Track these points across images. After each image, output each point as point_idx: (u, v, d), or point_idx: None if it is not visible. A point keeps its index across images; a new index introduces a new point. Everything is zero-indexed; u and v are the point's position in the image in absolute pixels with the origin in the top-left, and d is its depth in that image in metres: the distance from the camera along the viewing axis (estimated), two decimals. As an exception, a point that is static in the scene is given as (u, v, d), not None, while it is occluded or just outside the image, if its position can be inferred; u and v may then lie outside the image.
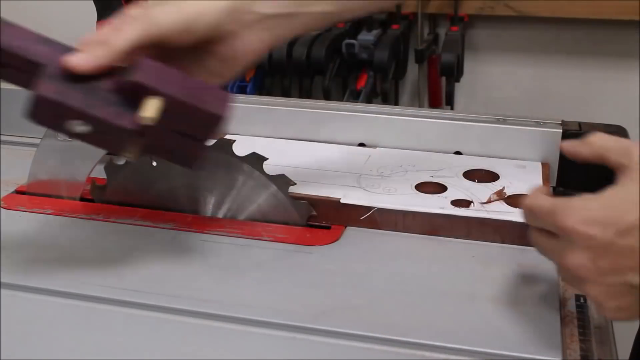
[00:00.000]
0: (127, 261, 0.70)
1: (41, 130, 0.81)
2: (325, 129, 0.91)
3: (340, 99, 1.59)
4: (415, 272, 0.68)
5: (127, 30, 0.62)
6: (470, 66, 1.59)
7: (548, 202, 0.55)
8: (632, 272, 0.51)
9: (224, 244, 0.72)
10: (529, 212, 0.58)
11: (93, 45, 0.61)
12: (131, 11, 0.64)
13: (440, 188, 0.78)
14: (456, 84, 1.56)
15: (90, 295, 0.63)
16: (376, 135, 0.90)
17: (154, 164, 0.76)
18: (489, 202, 0.74)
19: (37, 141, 0.81)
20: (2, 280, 0.65)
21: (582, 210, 0.53)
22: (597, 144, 0.59)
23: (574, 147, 0.60)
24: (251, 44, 0.66)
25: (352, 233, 0.74)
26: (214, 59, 0.66)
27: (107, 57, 0.61)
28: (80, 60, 0.60)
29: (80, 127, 0.59)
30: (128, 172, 0.78)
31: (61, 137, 0.80)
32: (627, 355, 0.82)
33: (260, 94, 1.59)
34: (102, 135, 0.60)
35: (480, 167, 0.83)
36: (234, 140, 0.74)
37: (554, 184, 0.84)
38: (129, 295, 0.63)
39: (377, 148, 0.90)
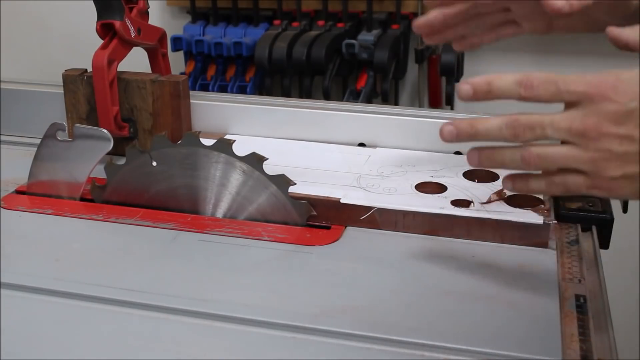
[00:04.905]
0: (127, 261, 0.70)
1: (41, 130, 0.81)
2: (325, 129, 0.91)
3: (340, 99, 1.59)
4: (415, 272, 0.68)
5: None
6: (470, 66, 1.59)
7: (574, 74, 0.55)
8: None
9: (224, 244, 0.72)
10: (547, 84, 0.56)
11: None
12: None
13: (440, 188, 0.78)
14: (456, 84, 1.55)
15: (90, 295, 0.63)
16: (376, 135, 0.90)
17: (154, 164, 0.76)
18: (489, 202, 0.74)
19: (37, 141, 0.81)
20: (2, 280, 0.65)
21: (614, 80, 0.54)
22: None
23: (619, 32, 0.61)
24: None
25: (352, 233, 0.74)
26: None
27: None
28: None
29: None
30: (128, 172, 0.78)
31: (61, 137, 0.80)
32: (628, 355, 0.82)
33: (260, 94, 1.59)
34: None
35: (480, 167, 0.83)
36: (234, 140, 0.74)
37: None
38: (129, 295, 0.63)
39: (377, 148, 0.90)
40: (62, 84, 0.90)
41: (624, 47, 0.61)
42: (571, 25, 0.72)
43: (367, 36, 1.51)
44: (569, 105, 0.56)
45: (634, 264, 1.53)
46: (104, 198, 0.80)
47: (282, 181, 0.73)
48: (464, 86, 0.58)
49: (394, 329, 0.59)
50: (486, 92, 0.57)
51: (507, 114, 0.57)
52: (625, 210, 0.76)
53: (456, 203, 0.74)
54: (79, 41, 1.35)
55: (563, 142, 0.56)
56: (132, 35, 0.87)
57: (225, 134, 0.94)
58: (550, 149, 0.56)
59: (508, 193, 0.76)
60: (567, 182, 0.57)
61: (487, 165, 0.59)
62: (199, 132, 0.75)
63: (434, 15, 0.75)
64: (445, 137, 0.59)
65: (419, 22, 0.75)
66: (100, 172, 0.80)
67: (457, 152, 0.87)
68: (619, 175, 0.55)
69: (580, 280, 0.66)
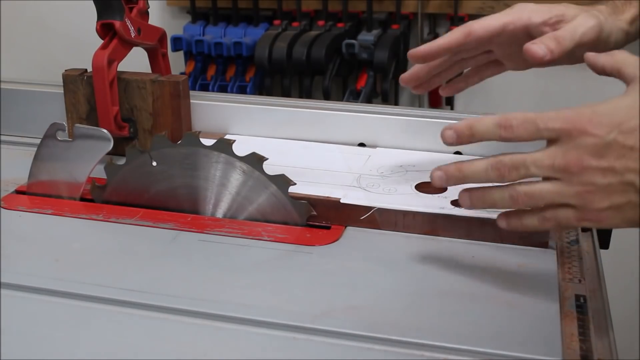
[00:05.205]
0: (127, 261, 0.70)
1: (41, 130, 0.81)
2: (325, 129, 0.91)
3: (340, 99, 1.59)
4: (415, 272, 0.68)
5: None
6: (470, 66, 1.59)
7: (551, 111, 0.57)
8: (630, 172, 0.54)
9: (224, 244, 0.72)
10: (526, 123, 0.58)
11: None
12: None
13: (440, 188, 0.78)
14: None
15: (90, 295, 0.63)
16: (376, 135, 0.90)
17: (154, 164, 0.76)
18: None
19: (37, 141, 0.81)
20: (2, 280, 0.65)
21: (590, 113, 0.55)
22: (618, 57, 0.61)
23: (595, 57, 0.63)
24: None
25: (352, 233, 0.74)
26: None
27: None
28: None
29: None
30: (128, 172, 0.78)
31: (61, 137, 0.80)
32: (628, 355, 0.82)
33: (260, 94, 1.59)
34: None
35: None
36: (234, 140, 0.74)
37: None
38: (129, 295, 0.63)
39: (377, 148, 0.89)
40: (62, 84, 0.90)
41: (601, 72, 0.63)
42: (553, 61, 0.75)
43: (367, 36, 1.51)
44: (550, 141, 0.57)
45: (634, 264, 1.53)
46: (104, 198, 0.80)
47: (282, 181, 0.73)
48: (447, 132, 0.61)
49: (394, 329, 0.59)
50: (469, 136, 0.60)
51: (491, 156, 0.60)
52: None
53: (456, 203, 0.74)
54: (79, 41, 1.35)
55: (548, 178, 0.58)
56: (132, 35, 0.87)
57: (225, 134, 0.94)
58: (537, 186, 0.58)
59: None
60: (558, 217, 0.59)
61: (479, 206, 0.62)
62: (199, 132, 0.75)
63: (418, 67, 0.80)
64: (436, 184, 0.63)
65: (404, 77, 0.81)
66: (100, 172, 0.80)
67: (457, 153, 0.87)
68: (606, 206, 0.56)
69: (580, 280, 0.66)
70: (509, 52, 0.77)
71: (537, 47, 0.68)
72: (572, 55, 0.71)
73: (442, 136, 0.61)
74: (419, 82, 0.81)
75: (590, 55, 0.64)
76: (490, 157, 0.59)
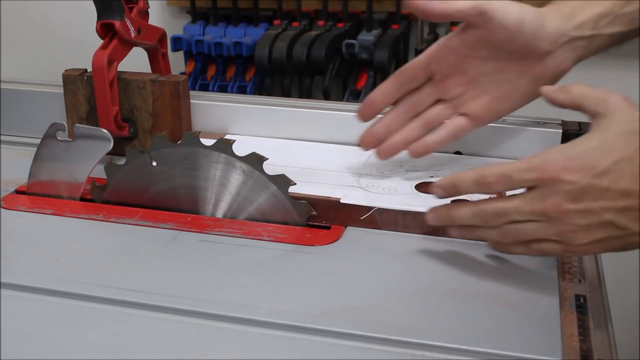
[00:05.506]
0: (127, 261, 0.70)
1: (41, 130, 0.81)
2: (325, 129, 0.91)
3: (340, 99, 1.59)
4: (415, 272, 0.68)
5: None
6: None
7: (524, 162, 0.60)
8: (608, 212, 0.57)
9: (224, 244, 0.72)
10: (502, 178, 0.60)
11: None
12: None
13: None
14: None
15: (90, 295, 0.63)
16: (376, 135, 0.90)
17: (154, 164, 0.76)
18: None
19: (37, 141, 0.81)
20: (2, 280, 0.65)
21: (562, 159, 0.58)
22: (575, 92, 0.63)
23: (553, 92, 0.65)
24: (559, 65, 0.72)
25: (352, 233, 0.74)
26: (525, 78, 0.73)
27: None
28: None
29: None
30: (128, 172, 0.78)
31: (61, 137, 0.80)
32: (628, 355, 0.82)
33: (260, 94, 1.59)
34: None
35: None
36: (234, 140, 0.74)
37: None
38: (129, 295, 0.63)
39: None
40: (62, 84, 0.90)
41: (563, 107, 0.65)
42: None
43: (367, 36, 1.51)
44: (529, 189, 0.60)
45: (634, 264, 1.53)
46: (104, 198, 0.80)
47: (282, 181, 0.73)
48: (436, 190, 0.66)
49: (394, 329, 0.59)
50: (455, 192, 0.65)
51: (475, 201, 0.64)
52: None
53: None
54: (79, 41, 1.35)
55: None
56: (132, 35, 0.87)
57: (225, 134, 0.94)
58: (523, 226, 0.61)
59: (508, 193, 0.75)
60: (544, 249, 0.62)
61: (468, 237, 0.68)
62: (199, 132, 0.75)
63: (374, 126, 0.78)
64: (430, 223, 0.68)
65: (363, 139, 0.79)
66: (100, 172, 0.80)
67: (458, 152, 0.87)
68: (588, 242, 0.59)
69: (580, 280, 0.66)
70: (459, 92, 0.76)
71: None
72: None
73: (432, 192, 0.66)
74: (380, 142, 0.78)
75: (547, 92, 0.66)
76: (475, 204, 0.64)
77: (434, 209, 0.67)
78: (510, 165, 0.60)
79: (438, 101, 0.77)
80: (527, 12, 0.70)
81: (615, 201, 0.57)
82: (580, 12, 0.72)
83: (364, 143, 0.79)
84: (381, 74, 1.52)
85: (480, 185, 0.62)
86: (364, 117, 0.77)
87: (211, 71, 1.62)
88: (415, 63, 0.75)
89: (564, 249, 0.61)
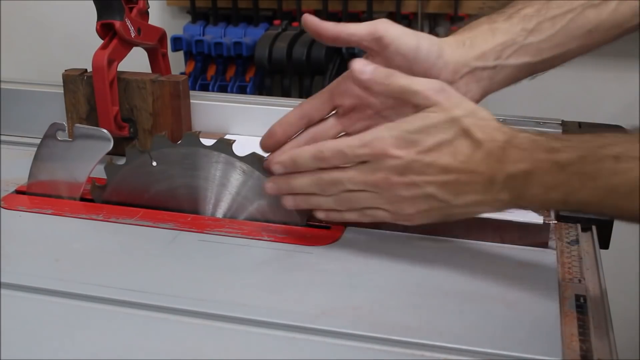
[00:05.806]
0: (127, 261, 0.70)
1: (41, 130, 0.81)
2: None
3: (340, 99, 1.58)
4: (415, 272, 0.68)
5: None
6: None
7: (356, 138, 0.65)
8: (430, 185, 0.63)
9: (224, 244, 0.72)
10: (337, 154, 0.65)
11: None
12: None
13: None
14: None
15: (90, 295, 0.63)
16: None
17: (154, 164, 0.76)
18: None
19: (37, 141, 0.81)
20: (2, 280, 0.65)
21: (390, 137, 0.63)
22: (397, 84, 0.66)
23: (379, 77, 0.67)
24: (464, 96, 0.69)
25: (352, 233, 0.74)
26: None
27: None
28: None
29: None
30: (128, 172, 0.78)
31: (61, 137, 0.80)
32: (628, 355, 0.82)
33: (260, 94, 1.59)
34: None
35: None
36: (234, 140, 0.74)
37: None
38: (129, 295, 0.63)
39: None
40: (62, 84, 0.90)
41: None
42: None
43: (367, 36, 1.51)
44: (362, 162, 0.65)
45: (634, 264, 1.54)
46: (104, 198, 0.80)
47: (282, 181, 0.73)
48: (276, 166, 0.69)
49: (394, 329, 0.59)
50: (294, 168, 0.68)
51: (313, 171, 0.68)
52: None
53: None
54: (79, 41, 1.35)
55: None
56: (132, 35, 0.87)
57: (225, 134, 0.94)
58: (357, 194, 0.67)
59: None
60: (376, 215, 0.68)
61: (303, 206, 0.71)
62: (199, 132, 0.75)
63: (275, 152, 0.71)
64: (269, 191, 0.71)
65: (267, 186, 0.72)
66: (100, 172, 0.80)
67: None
68: (414, 212, 0.65)
69: (580, 280, 0.66)
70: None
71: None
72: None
73: (271, 169, 0.70)
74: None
75: (357, 66, 0.67)
76: (314, 172, 0.67)
77: (273, 179, 0.70)
78: (344, 141, 0.66)
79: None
80: (424, 40, 0.68)
81: (437, 176, 0.63)
82: (481, 42, 0.70)
83: (267, 187, 0.72)
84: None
85: (317, 160, 0.66)
86: (265, 147, 0.72)
87: (211, 71, 1.62)
88: (318, 96, 0.71)
89: (393, 217, 0.67)
